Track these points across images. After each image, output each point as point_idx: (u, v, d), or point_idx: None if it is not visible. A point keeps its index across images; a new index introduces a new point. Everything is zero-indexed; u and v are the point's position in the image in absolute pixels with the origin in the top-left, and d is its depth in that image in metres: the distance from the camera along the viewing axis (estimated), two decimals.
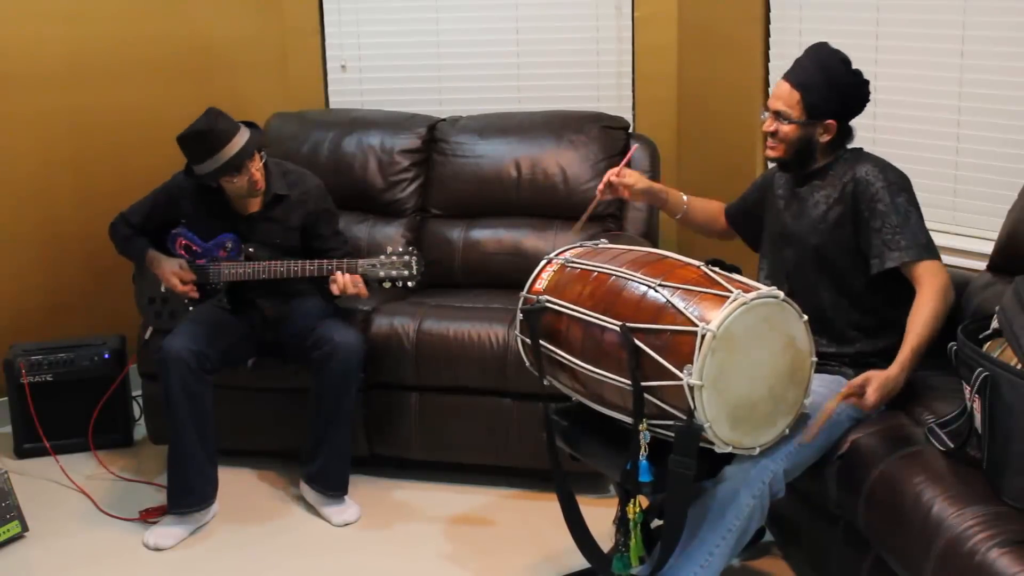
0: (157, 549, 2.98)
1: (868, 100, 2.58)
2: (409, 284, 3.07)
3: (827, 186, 2.57)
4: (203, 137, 3.01)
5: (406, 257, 3.06)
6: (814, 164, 2.60)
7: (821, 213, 2.56)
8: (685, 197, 2.90)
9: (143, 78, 3.90)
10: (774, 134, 2.58)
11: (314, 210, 3.28)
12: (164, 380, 2.99)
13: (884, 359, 2.43)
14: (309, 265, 3.11)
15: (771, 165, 2.77)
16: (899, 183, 2.50)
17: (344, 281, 3.06)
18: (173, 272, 3.18)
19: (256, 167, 3.09)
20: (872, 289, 2.52)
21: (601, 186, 2.78)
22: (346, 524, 3.12)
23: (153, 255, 3.24)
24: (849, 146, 2.61)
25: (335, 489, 3.16)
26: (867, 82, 2.56)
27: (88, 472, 3.45)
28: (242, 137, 3.04)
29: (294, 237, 3.26)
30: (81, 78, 3.79)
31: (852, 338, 2.55)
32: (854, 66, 2.55)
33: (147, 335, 3.35)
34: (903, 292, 2.44)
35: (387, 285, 3.08)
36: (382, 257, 3.07)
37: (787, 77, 2.57)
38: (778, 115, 2.56)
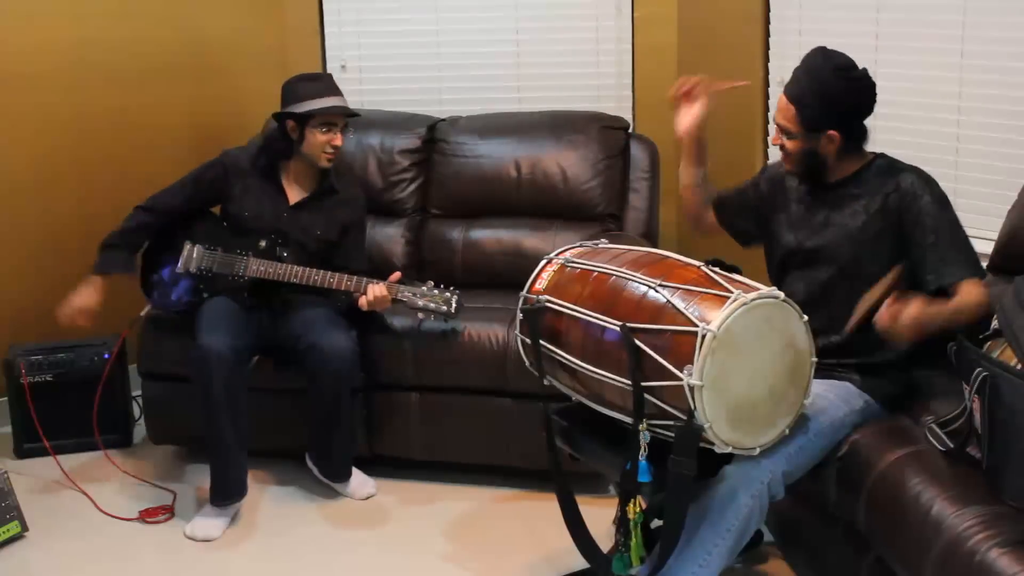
0: (207, 540, 3.00)
1: (871, 102, 2.49)
2: (445, 321, 3.10)
3: (864, 195, 2.50)
4: (331, 78, 3.30)
5: (447, 294, 3.08)
6: (831, 173, 2.54)
7: (860, 224, 2.49)
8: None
9: (143, 78, 3.89)
10: (783, 148, 2.54)
11: (354, 219, 3.34)
12: (205, 377, 2.95)
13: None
14: (347, 279, 3.10)
15: (771, 161, 2.74)
16: (944, 196, 2.46)
17: (377, 292, 3.05)
18: (79, 306, 3.20)
19: (342, 137, 3.23)
20: None
21: (686, 87, 2.65)
22: (369, 496, 3.23)
23: (100, 276, 3.24)
24: (867, 146, 2.54)
25: (339, 478, 3.25)
26: (866, 85, 2.46)
27: (88, 472, 3.45)
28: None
29: (334, 232, 3.28)
30: (81, 78, 3.78)
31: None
32: (858, 66, 2.46)
33: (144, 312, 3.35)
34: None
35: (421, 316, 3.11)
36: (423, 288, 3.09)
37: (785, 91, 2.50)
38: (781, 129, 2.52)
